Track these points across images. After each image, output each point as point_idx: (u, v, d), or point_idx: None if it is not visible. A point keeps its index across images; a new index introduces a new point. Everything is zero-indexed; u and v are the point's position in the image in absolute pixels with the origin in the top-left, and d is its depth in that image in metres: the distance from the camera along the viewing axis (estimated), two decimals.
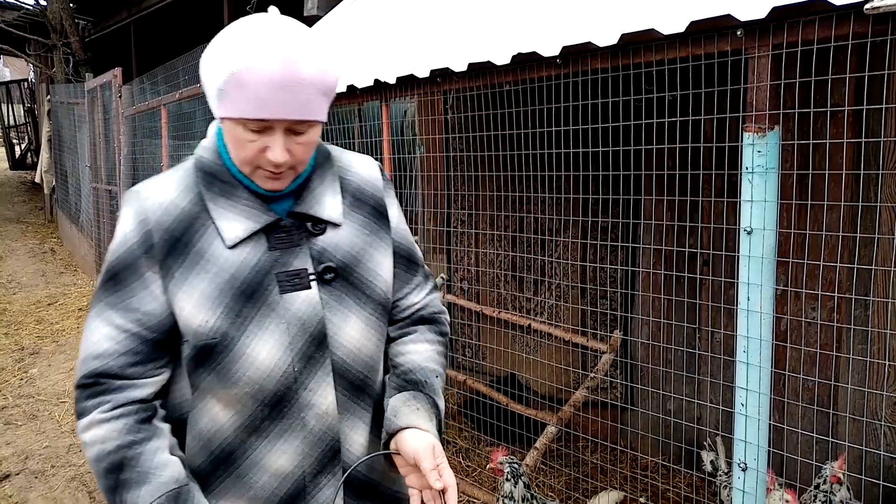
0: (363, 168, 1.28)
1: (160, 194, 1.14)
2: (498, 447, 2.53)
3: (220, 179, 1.14)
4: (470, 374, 3.55)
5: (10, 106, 15.39)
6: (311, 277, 1.14)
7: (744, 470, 1.65)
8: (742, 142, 1.51)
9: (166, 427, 1.13)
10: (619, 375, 3.38)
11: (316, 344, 1.13)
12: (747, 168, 1.50)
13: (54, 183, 9.96)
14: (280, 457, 1.14)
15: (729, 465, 2.72)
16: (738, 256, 1.52)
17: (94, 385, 1.10)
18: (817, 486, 2.32)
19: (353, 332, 1.16)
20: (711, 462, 2.72)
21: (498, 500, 2.46)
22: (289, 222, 1.15)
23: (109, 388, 1.09)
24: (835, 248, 2.50)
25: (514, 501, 2.41)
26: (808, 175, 2.21)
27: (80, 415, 1.10)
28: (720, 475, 2.68)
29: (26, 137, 15.30)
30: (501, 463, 2.44)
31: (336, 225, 1.18)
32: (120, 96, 5.98)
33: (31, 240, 9.29)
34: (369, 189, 1.25)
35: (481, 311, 3.65)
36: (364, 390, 1.20)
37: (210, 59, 1.06)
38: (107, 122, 6.41)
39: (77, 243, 8.03)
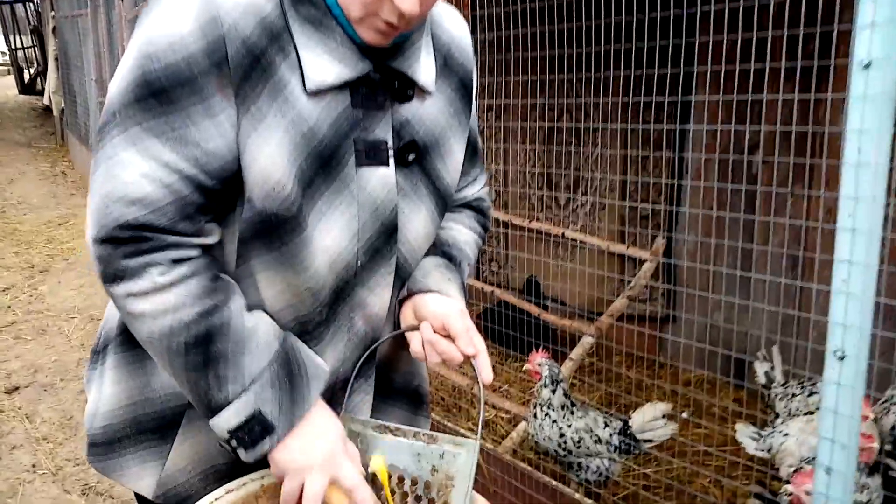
0: (454, 25, 1.03)
1: None
2: (535, 350, 2.31)
3: (310, 1, 0.85)
4: (497, 287, 3.32)
5: (16, 26, 14.94)
6: (390, 153, 0.92)
7: (841, 359, 1.38)
8: None
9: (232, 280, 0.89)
10: (661, 284, 3.13)
11: (385, 236, 0.94)
12: None
13: (63, 104, 9.70)
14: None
15: (786, 375, 2.50)
16: (849, 99, 1.23)
17: (135, 241, 0.80)
18: (891, 398, 2.09)
19: (420, 227, 0.99)
20: (766, 373, 2.49)
21: (534, 407, 2.25)
22: (377, 77, 0.89)
23: (158, 244, 0.80)
24: None
25: (553, 409, 2.20)
26: None
27: (121, 278, 0.81)
28: (775, 387, 2.46)
29: (35, 61, 14.92)
30: (540, 364, 2.21)
31: (424, 94, 0.95)
32: None
33: (42, 163, 9.10)
34: (459, 55, 1.02)
35: (510, 220, 3.39)
36: None
37: None
38: (110, 31, 6.10)
39: (88, 164, 7.82)
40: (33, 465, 2.93)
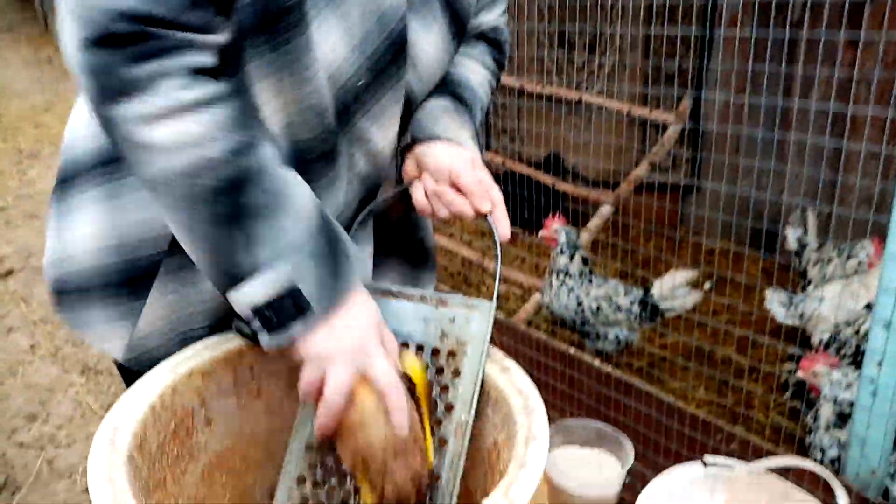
0: None
1: None
2: (551, 216, 2.14)
3: None
4: (508, 157, 3.10)
5: None
6: None
7: None
8: None
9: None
10: (685, 151, 2.92)
11: (392, 53, 0.77)
12: None
13: None
14: None
15: (820, 240, 2.34)
16: None
17: (137, 39, 0.60)
18: None
19: (431, 49, 0.84)
20: (798, 239, 2.33)
21: (549, 275, 2.11)
22: None
23: (166, 44, 0.61)
24: None
25: (570, 276, 2.05)
26: None
27: (127, 93, 0.61)
28: (808, 251, 2.30)
29: None
30: (556, 230, 2.05)
31: None
32: None
33: (25, 48, 8.68)
34: None
35: (522, 86, 3.13)
36: None
37: None
38: None
39: None
40: (31, 347, 2.86)
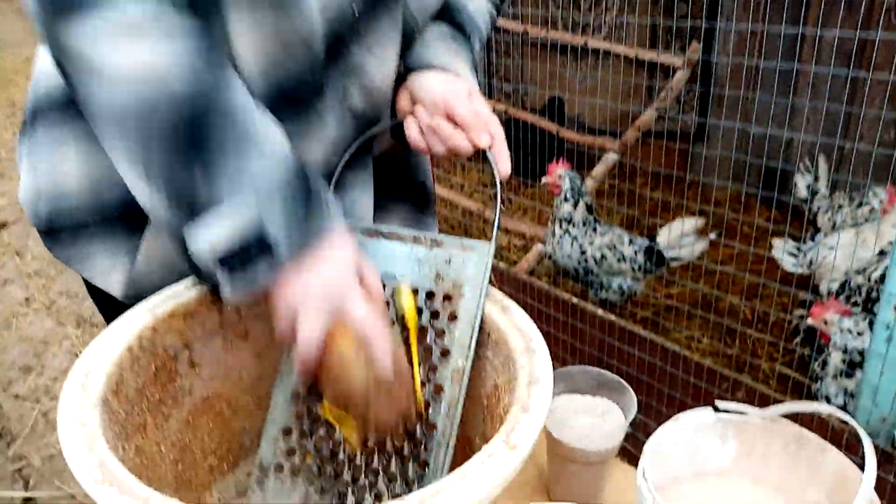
0: None
1: None
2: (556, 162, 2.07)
3: None
4: (511, 105, 3.02)
5: None
6: None
7: None
8: None
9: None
10: (695, 87, 2.83)
11: None
12: None
13: None
14: (306, 152, 0.74)
15: (831, 187, 2.27)
16: None
17: None
18: None
19: None
20: (808, 186, 2.27)
21: (552, 224, 2.05)
22: None
23: None
24: None
25: (574, 225, 2.00)
26: None
27: (78, 4, 0.54)
28: (819, 199, 2.24)
29: None
30: (560, 176, 1.98)
31: None
32: None
33: None
34: None
35: (525, 30, 3.03)
36: None
37: None
38: None
39: None
40: (26, 300, 2.83)
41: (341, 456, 0.71)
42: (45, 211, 0.77)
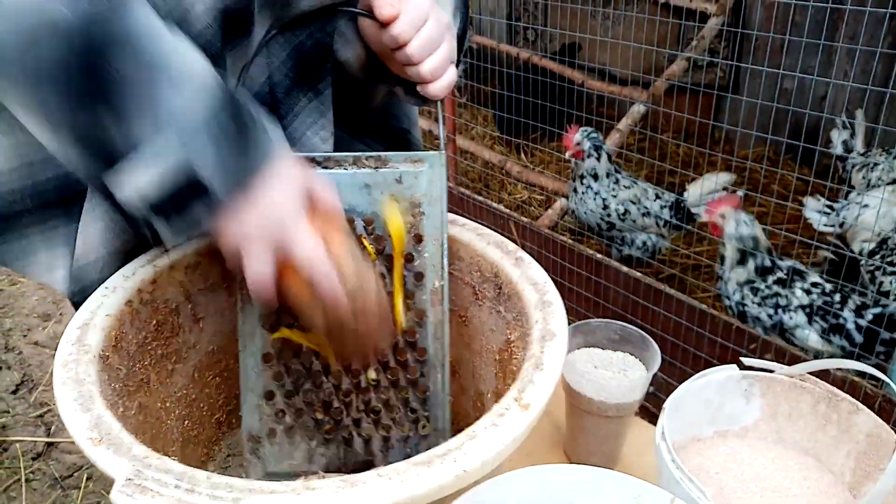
0: None
1: None
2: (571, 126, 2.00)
3: None
4: (535, 54, 2.93)
5: None
6: None
7: None
8: None
9: None
10: (725, 47, 2.72)
11: None
12: None
13: None
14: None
15: (867, 145, 2.18)
16: None
17: None
18: None
19: None
20: (844, 142, 2.18)
21: (573, 180, 2.00)
22: None
23: None
24: None
25: (596, 179, 1.95)
26: None
27: None
28: (853, 156, 2.15)
29: None
30: (578, 142, 1.92)
31: None
32: None
33: None
34: None
35: None
36: None
37: None
38: None
39: None
40: None
41: (336, 403, 0.69)
42: None
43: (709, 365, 1.65)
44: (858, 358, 1.55)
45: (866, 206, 1.91)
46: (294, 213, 0.54)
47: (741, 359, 0.69)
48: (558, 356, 0.54)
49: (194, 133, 0.50)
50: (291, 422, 0.69)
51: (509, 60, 2.82)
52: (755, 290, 1.69)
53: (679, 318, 1.63)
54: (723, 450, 0.70)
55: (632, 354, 0.78)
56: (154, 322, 0.65)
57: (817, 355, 1.61)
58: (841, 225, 1.99)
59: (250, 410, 0.68)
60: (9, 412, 2.04)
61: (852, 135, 2.17)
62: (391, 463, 0.45)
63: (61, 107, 0.49)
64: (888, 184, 2.00)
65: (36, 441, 1.94)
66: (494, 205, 2.14)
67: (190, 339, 0.70)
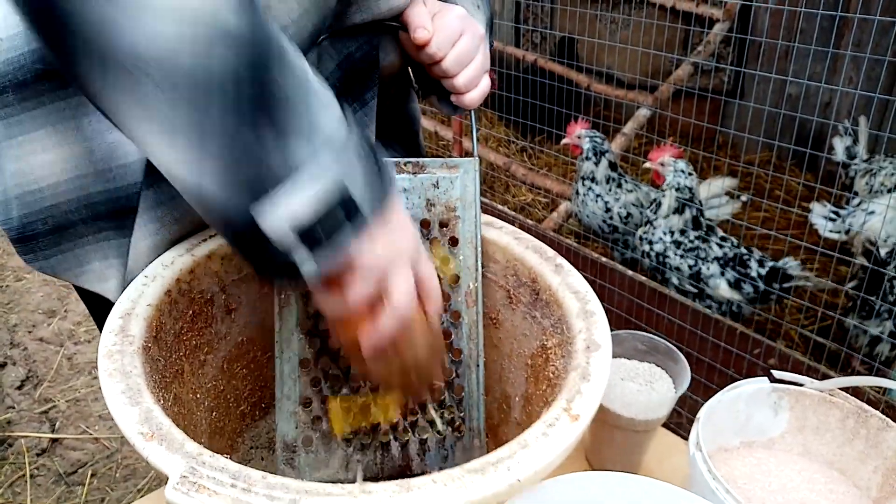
0: None
1: None
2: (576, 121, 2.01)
3: None
4: (539, 56, 2.93)
5: None
6: None
7: None
8: None
9: None
10: (731, 53, 2.73)
11: None
12: None
13: None
14: None
15: (870, 151, 2.20)
16: None
17: None
18: None
19: None
20: (847, 148, 2.19)
21: (576, 182, 2.00)
22: None
23: None
24: None
25: (597, 182, 1.95)
26: None
27: None
28: (856, 163, 2.17)
29: None
30: (580, 137, 1.93)
31: None
32: None
33: None
34: None
35: None
36: None
37: None
38: None
39: None
40: None
41: (373, 408, 0.69)
42: (18, 216, 0.67)
43: (715, 370, 1.67)
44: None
45: (872, 212, 1.92)
46: (418, 234, 0.54)
47: (772, 371, 0.69)
48: (604, 367, 0.54)
49: (343, 151, 0.47)
50: (328, 429, 0.68)
51: (515, 63, 2.82)
52: (678, 244, 1.85)
53: (683, 322, 1.64)
54: (749, 461, 0.70)
55: (658, 365, 0.78)
56: (190, 312, 0.65)
57: (726, 303, 1.82)
58: (847, 231, 2.00)
59: (286, 418, 0.67)
60: (14, 408, 2.03)
61: (855, 141, 2.19)
62: (427, 467, 0.46)
63: (224, 123, 0.44)
64: (888, 190, 2.02)
65: (41, 437, 1.93)
66: (499, 206, 2.14)
67: (222, 330, 0.69)
